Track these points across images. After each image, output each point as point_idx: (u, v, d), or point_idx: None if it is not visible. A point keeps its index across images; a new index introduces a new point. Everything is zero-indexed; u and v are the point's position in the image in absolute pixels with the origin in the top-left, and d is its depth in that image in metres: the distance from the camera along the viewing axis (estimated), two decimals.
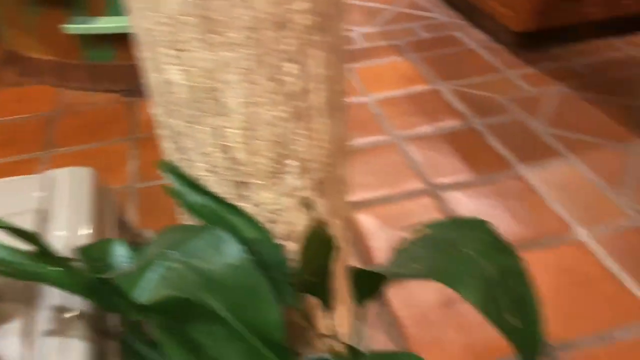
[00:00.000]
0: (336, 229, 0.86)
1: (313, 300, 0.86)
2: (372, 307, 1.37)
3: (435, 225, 0.57)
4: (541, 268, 1.45)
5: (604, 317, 1.31)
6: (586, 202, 1.65)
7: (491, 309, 0.47)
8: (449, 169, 1.83)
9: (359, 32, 2.78)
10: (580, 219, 1.59)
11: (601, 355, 1.23)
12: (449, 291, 1.43)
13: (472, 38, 2.69)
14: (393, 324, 1.33)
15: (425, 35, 2.74)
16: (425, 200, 1.71)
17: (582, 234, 1.54)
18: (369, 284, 0.61)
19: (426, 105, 2.17)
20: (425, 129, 2.04)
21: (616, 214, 1.60)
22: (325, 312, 0.85)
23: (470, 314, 1.34)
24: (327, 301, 0.76)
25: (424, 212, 1.66)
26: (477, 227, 0.54)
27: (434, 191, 1.74)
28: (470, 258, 0.49)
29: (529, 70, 2.37)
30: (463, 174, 1.80)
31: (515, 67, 2.40)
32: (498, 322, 0.46)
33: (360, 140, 2.00)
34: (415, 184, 1.78)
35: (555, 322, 1.31)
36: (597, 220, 1.58)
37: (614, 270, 1.43)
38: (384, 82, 2.34)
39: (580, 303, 1.35)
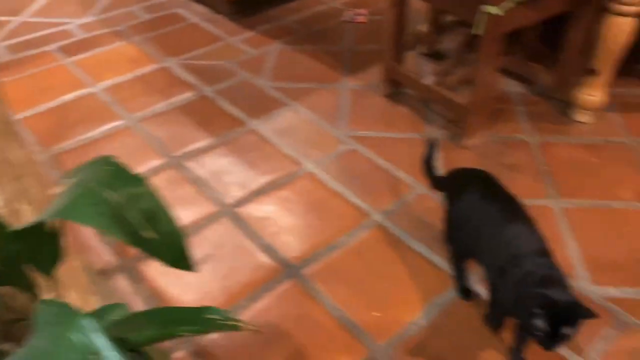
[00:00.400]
0: (25, 215, 0.84)
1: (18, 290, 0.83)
2: (128, 287, 1.37)
3: (73, 172, 0.61)
4: (283, 204, 1.61)
5: (334, 229, 1.53)
6: (311, 140, 1.87)
7: (122, 231, 0.52)
8: (188, 138, 1.89)
9: (75, 24, 2.63)
10: (307, 155, 1.80)
11: (334, 260, 1.44)
12: (200, 250, 1.49)
13: (193, 13, 2.76)
14: (152, 295, 1.35)
15: (147, 16, 2.72)
16: (170, 173, 1.74)
17: (310, 166, 1.75)
18: (39, 248, 0.62)
19: (157, 84, 2.18)
20: (160, 106, 2.05)
21: (335, 143, 1.85)
22: (31, 296, 0.84)
23: (218, 264, 1.44)
24: (28, 287, 0.75)
25: (171, 184, 1.70)
26: (105, 163, 0.59)
27: (178, 162, 1.78)
28: (92, 191, 0.54)
29: (249, 34, 2.54)
30: (202, 140, 1.88)
31: (236, 33, 2.54)
32: (133, 241, 0.52)
33: (95, 131, 1.93)
34: (158, 160, 1.80)
35: (298, 246, 1.48)
36: (321, 152, 1.81)
37: (338, 189, 1.66)
38: (110, 70, 2.27)
39: (315, 224, 1.55)
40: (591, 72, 1.79)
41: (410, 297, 1.33)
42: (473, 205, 1.18)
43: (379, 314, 1.30)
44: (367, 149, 1.81)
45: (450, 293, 1.34)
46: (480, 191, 1.20)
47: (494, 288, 1.15)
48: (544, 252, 1.06)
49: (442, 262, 1.41)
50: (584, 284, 1.35)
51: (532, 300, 0.93)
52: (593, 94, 1.83)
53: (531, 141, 1.83)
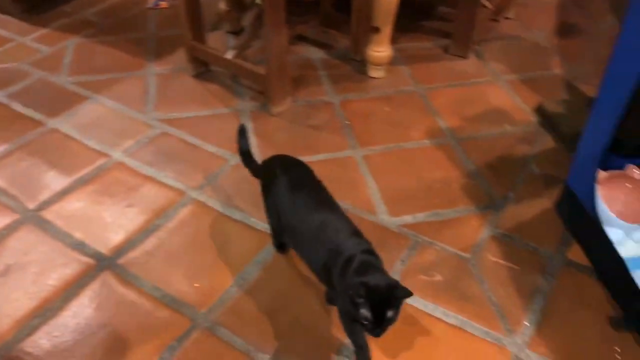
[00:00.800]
0: None
1: None
2: None
3: None
4: (92, 198, 1.54)
5: (149, 214, 1.50)
6: (118, 129, 1.81)
7: None
8: None
9: None
10: (115, 145, 1.74)
11: (151, 243, 1.42)
12: (1, 261, 1.37)
13: None
14: None
15: None
16: None
17: (119, 156, 1.70)
18: None
19: None
20: None
21: (144, 129, 1.81)
22: None
23: (24, 271, 1.35)
24: None
25: None
26: None
27: None
28: None
29: (42, 31, 2.36)
30: None
31: (28, 32, 2.35)
32: None
33: None
34: None
35: (112, 237, 1.43)
36: (130, 140, 1.76)
37: (151, 173, 1.63)
38: None
39: (128, 211, 1.50)
40: (374, 29, 1.96)
41: (231, 262, 1.37)
42: (283, 194, 1.19)
43: (199, 285, 1.32)
44: (178, 130, 1.80)
45: (268, 249, 1.39)
46: (289, 181, 1.20)
47: (335, 295, 1.12)
48: (356, 235, 1.08)
49: (259, 222, 1.46)
50: (383, 217, 1.49)
51: (353, 289, 0.93)
52: (380, 50, 2.01)
53: (334, 101, 1.96)
